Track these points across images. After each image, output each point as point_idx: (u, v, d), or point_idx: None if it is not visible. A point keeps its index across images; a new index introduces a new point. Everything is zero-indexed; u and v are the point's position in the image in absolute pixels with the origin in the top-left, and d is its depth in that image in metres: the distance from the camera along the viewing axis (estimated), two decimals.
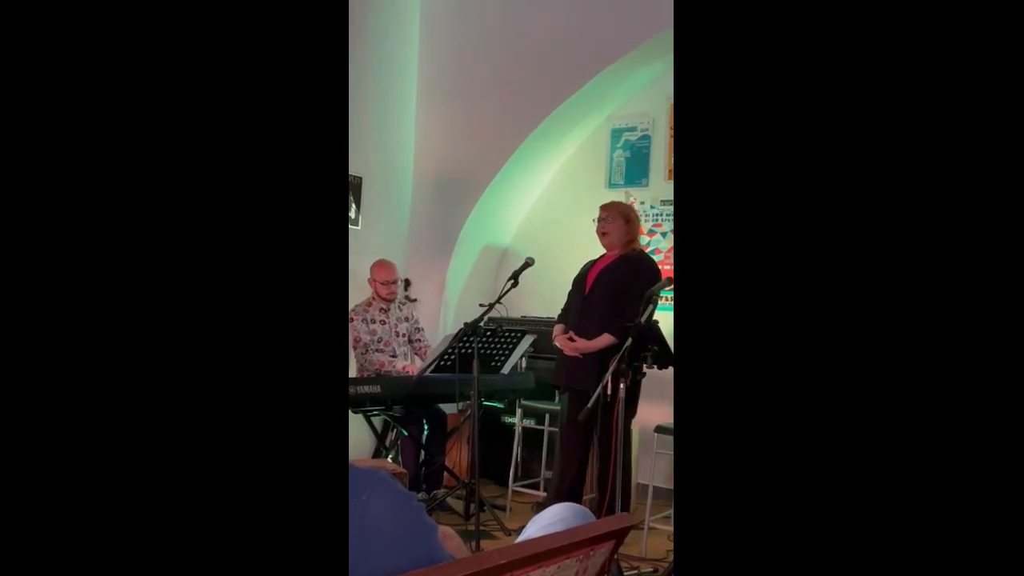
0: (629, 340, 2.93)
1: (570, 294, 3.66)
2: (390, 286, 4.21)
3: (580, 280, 3.60)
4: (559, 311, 3.72)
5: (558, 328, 3.61)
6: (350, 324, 4.08)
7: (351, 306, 4.14)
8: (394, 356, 4.18)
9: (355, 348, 4.08)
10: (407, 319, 4.32)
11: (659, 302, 3.03)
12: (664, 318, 3.09)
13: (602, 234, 3.55)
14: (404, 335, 4.28)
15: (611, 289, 3.42)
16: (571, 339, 3.45)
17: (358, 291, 4.16)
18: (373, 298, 4.23)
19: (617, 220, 3.51)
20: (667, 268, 4.56)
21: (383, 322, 4.18)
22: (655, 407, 4.17)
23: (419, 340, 4.32)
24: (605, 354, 3.32)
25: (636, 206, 4.68)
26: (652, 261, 3.55)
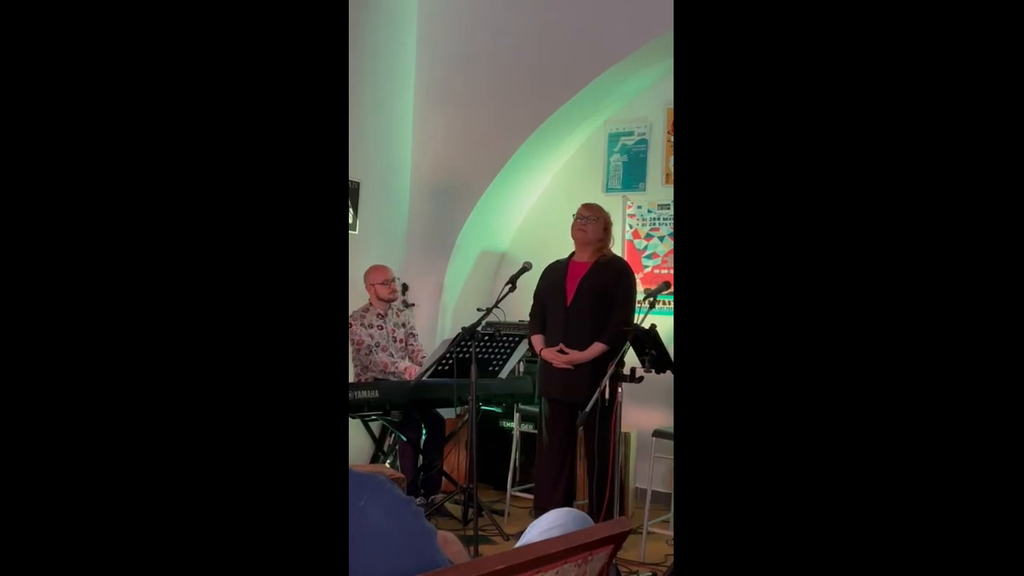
0: (627, 344, 2.94)
1: (543, 302, 3.61)
2: (390, 284, 4.19)
3: (556, 290, 3.55)
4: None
5: (538, 339, 3.57)
6: (349, 329, 4.07)
7: (349, 312, 4.14)
8: (393, 357, 4.17)
9: (359, 350, 4.07)
10: (404, 325, 4.32)
11: (656, 306, 3.03)
12: (663, 322, 3.09)
13: (580, 231, 3.53)
14: (401, 340, 4.28)
15: (596, 297, 3.41)
16: (561, 351, 3.44)
17: (357, 296, 4.16)
18: (371, 303, 4.22)
19: (599, 223, 3.53)
20: (663, 272, 4.58)
21: (380, 327, 4.18)
22: (653, 411, 4.17)
23: (413, 345, 4.31)
24: (596, 363, 3.32)
25: (633, 210, 4.72)
26: (628, 265, 3.60)
